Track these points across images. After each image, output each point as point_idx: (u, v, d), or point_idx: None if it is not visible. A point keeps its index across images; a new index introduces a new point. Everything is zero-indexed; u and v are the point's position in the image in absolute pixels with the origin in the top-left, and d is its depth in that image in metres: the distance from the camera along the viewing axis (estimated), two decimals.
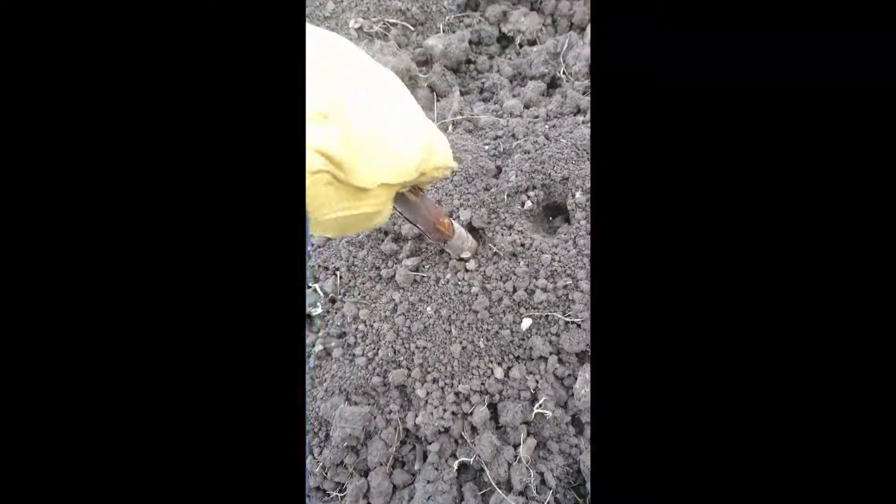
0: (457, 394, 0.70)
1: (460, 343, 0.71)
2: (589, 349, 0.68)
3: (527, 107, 0.95)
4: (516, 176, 0.77)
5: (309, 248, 0.86)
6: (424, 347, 0.72)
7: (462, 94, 1.02)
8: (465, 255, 0.74)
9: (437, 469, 0.69)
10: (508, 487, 0.66)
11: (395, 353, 0.73)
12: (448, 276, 0.75)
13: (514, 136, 0.85)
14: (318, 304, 0.80)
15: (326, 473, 0.71)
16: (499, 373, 0.70)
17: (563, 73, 0.98)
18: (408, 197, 0.53)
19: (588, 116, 0.83)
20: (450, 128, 0.92)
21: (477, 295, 0.73)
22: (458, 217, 0.78)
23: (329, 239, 0.86)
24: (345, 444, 0.70)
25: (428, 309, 0.74)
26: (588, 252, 0.69)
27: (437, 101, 1.01)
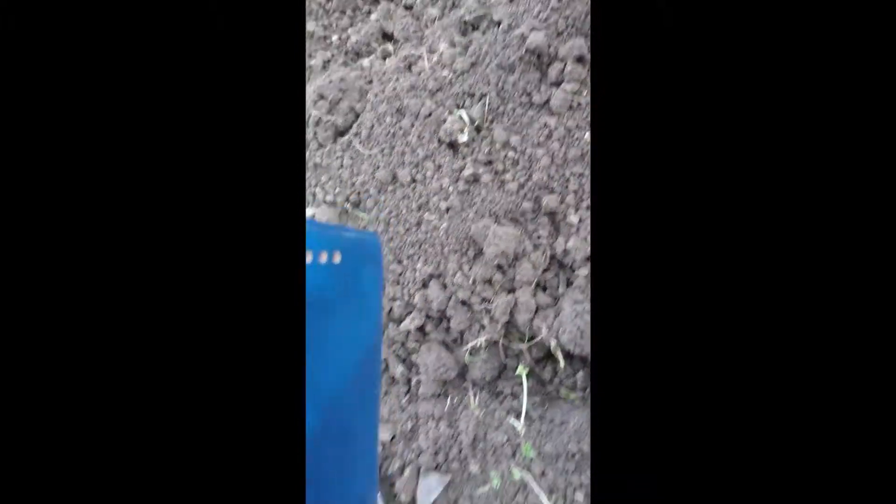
0: None
1: None
2: None
3: None
4: None
5: (450, 74, 0.82)
6: (581, 174, 0.70)
7: None
8: None
9: (582, 293, 0.71)
10: None
11: (548, 178, 0.72)
12: None
13: None
14: (465, 130, 0.79)
15: (475, 289, 0.75)
16: None
17: None
18: None
19: None
20: None
21: None
22: None
23: (474, 64, 0.81)
24: (495, 262, 0.73)
25: (587, 135, 0.70)
26: None
27: None
